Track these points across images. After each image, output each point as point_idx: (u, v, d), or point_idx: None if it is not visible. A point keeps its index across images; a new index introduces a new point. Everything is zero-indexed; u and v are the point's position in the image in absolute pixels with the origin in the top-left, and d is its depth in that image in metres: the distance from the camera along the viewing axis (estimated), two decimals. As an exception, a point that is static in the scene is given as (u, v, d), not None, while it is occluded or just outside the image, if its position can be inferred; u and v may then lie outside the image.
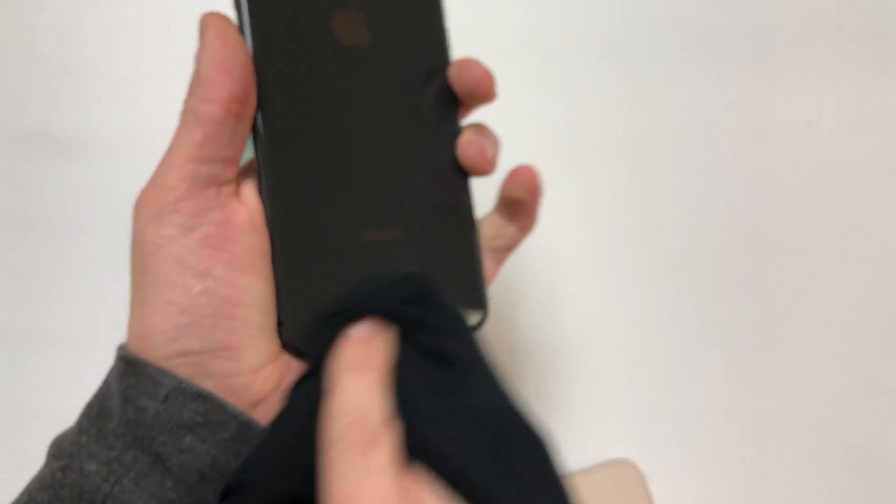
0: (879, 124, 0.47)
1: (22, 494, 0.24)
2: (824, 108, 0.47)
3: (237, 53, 0.25)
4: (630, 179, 0.46)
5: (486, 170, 0.30)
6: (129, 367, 0.24)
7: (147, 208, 0.25)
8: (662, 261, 0.45)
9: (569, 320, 0.44)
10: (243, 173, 0.28)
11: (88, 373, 0.46)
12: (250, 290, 0.25)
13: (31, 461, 0.26)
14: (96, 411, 0.25)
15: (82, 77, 0.49)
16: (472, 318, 0.29)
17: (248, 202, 0.27)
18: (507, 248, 0.31)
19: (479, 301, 0.29)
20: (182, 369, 0.24)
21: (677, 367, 0.44)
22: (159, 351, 0.24)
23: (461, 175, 0.30)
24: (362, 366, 0.22)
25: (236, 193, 0.27)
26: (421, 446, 0.21)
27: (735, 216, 0.46)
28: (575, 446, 0.42)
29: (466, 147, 0.29)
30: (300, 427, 0.22)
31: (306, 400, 0.22)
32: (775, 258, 0.45)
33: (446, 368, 0.23)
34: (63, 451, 0.24)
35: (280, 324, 0.26)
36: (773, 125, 0.47)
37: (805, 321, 0.44)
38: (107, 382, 0.26)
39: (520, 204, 0.30)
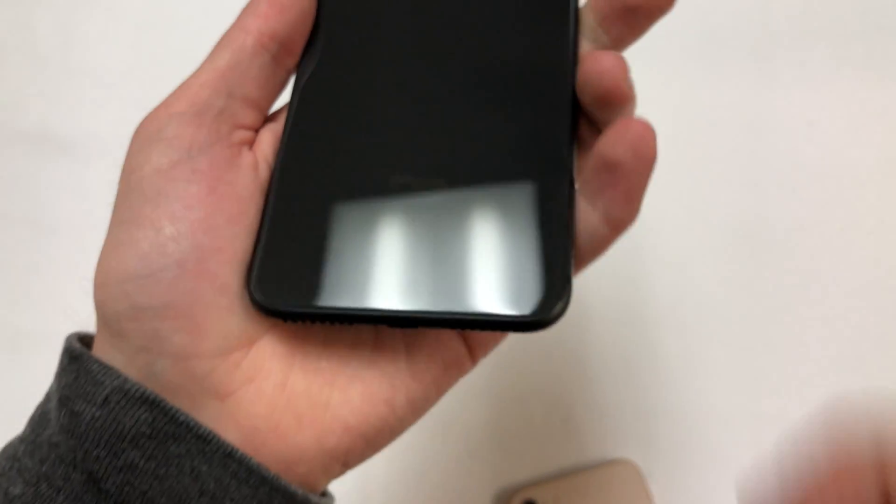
0: (879, 124, 0.47)
1: None
2: (824, 108, 0.47)
3: None
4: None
5: (618, 90, 0.22)
6: (72, 362, 0.20)
7: (145, 130, 0.22)
8: (662, 260, 0.45)
9: (567, 319, 0.44)
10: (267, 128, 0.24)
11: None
12: (231, 241, 0.21)
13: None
14: (38, 413, 0.21)
15: (82, 77, 0.49)
16: (547, 308, 0.21)
17: (261, 151, 0.23)
18: (589, 248, 0.22)
19: (559, 284, 0.21)
20: (135, 338, 0.20)
21: (677, 367, 0.44)
22: (111, 306, 0.20)
23: (562, 112, 0.22)
24: None
25: (251, 143, 0.23)
26: None
27: (735, 216, 0.46)
28: (575, 446, 0.42)
29: (595, 61, 0.22)
30: None
31: None
32: (775, 258, 0.45)
33: None
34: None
35: (249, 271, 0.21)
36: (773, 125, 0.47)
37: (805, 321, 0.44)
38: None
39: (616, 172, 0.21)
